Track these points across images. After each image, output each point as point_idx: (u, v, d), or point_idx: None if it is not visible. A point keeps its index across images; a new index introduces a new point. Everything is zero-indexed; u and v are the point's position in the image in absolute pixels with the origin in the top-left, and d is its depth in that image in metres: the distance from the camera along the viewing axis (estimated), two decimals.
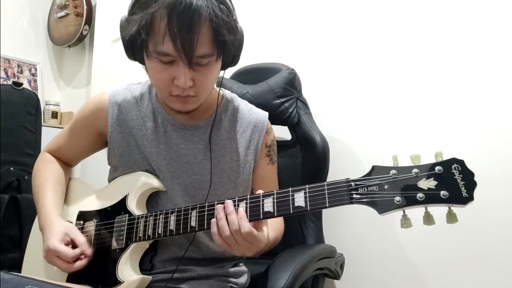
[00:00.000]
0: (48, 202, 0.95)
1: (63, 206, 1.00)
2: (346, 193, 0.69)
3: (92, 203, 0.99)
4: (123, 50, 0.85)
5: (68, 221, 0.97)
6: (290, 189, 0.75)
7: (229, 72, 1.44)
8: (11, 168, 1.75)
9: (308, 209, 0.73)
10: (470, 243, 1.15)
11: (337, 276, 1.12)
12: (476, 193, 0.62)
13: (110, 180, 1.02)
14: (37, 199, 0.98)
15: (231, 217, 0.75)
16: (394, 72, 1.34)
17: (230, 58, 0.86)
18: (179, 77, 0.80)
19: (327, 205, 0.70)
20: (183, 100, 0.86)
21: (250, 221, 0.75)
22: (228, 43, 0.80)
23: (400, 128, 1.30)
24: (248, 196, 0.78)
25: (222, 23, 0.77)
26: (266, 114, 1.03)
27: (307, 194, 0.73)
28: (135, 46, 0.82)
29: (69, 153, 1.06)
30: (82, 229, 0.95)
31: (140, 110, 0.97)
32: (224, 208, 0.77)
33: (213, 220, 0.77)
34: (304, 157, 1.29)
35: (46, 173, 1.02)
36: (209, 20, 0.76)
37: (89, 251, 0.88)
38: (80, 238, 0.88)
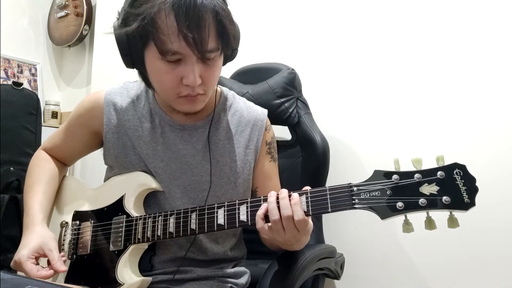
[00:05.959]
0: (35, 204, 0.94)
1: (51, 206, 0.99)
2: (348, 198, 0.69)
3: (88, 203, 0.97)
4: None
5: (64, 221, 0.97)
6: (292, 193, 0.75)
7: (229, 72, 1.44)
8: (11, 168, 1.74)
9: (311, 213, 0.73)
10: (471, 244, 1.15)
11: (337, 276, 1.12)
12: (478, 195, 0.62)
13: (106, 179, 1.01)
14: (26, 198, 0.97)
15: (284, 202, 0.73)
16: (395, 72, 1.33)
17: (230, 51, 0.86)
18: (188, 76, 0.78)
19: (329, 210, 0.70)
20: (192, 100, 0.84)
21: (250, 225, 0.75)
22: (230, 35, 0.80)
23: (400, 128, 1.30)
24: (249, 200, 0.78)
25: (225, 14, 0.77)
26: (265, 111, 1.02)
27: (309, 199, 0.73)
28: (134, 50, 0.80)
29: (64, 152, 1.05)
30: (78, 230, 0.95)
31: (137, 110, 0.96)
32: (275, 195, 0.75)
33: (264, 205, 0.76)
34: (304, 157, 1.28)
35: (39, 171, 1.01)
36: (213, 12, 0.75)
37: (62, 268, 0.83)
38: (53, 255, 0.83)
